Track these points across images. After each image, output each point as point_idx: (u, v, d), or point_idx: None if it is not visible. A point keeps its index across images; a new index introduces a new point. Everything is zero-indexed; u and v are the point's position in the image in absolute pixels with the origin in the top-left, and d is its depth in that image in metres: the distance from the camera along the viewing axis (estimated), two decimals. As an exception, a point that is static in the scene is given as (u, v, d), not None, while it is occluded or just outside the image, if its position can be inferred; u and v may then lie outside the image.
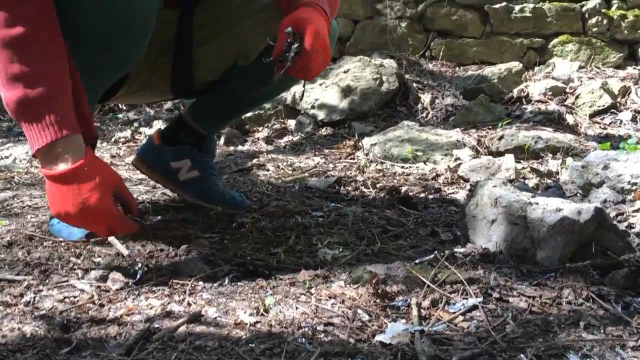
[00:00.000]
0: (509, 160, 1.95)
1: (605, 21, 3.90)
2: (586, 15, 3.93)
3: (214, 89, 1.58)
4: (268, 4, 1.48)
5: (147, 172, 1.65)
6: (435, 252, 1.16)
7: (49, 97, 1.02)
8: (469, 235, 1.23)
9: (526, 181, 1.88)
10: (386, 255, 1.25)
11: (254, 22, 1.51)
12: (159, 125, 3.05)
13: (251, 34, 1.50)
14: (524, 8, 3.94)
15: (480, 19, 4.01)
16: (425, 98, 3.18)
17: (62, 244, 1.27)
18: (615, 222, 1.23)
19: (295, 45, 1.15)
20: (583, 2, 3.96)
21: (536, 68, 3.92)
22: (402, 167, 2.22)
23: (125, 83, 1.37)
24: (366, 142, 2.46)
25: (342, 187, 1.95)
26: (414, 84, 3.34)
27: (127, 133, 2.97)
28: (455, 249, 1.20)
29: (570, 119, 2.85)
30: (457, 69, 3.87)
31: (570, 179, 1.67)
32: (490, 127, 2.77)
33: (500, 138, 2.44)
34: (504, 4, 3.96)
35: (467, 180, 1.95)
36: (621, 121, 2.85)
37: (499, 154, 2.34)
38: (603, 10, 3.91)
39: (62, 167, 1.03)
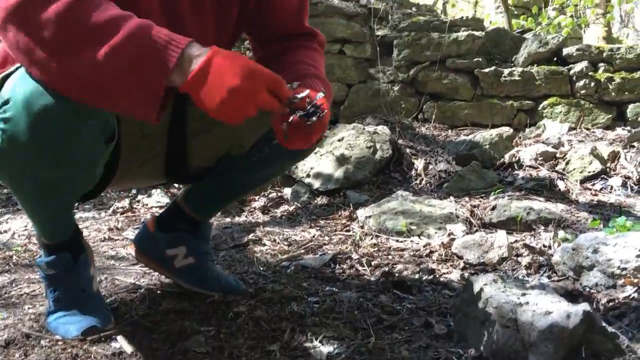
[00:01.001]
0: (501, 237, 1.97)
1: (592, 83, 4.01)
2: (574, 78, 4.05)
3: (208, 175, 1.61)
4: None
5: (143, 259, 1.68)
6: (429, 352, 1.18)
7: (147, 23, 1.00)
8: (462, 332, 1.25)
9: (519, 259, 1.90)
10: (380, 351, 1.26)
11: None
12: (157, 194, 3.09)
13: (245, 127, 1.53)
14: (512, 72, 4.05)
15: (470, 83, 4.12)
16: (419, 164, 3.23)
17: (59, 342, 1.28)
18: (606, 316, 1.25)
19: (317, 107, 1.11)
20: (570, 66, 4.08)
21: (527, 130, 4.01)
22: (397, 240, 2.24)
23: (114, 177, 1.40)
24: (361, 214, 2.49)
25: (337, 265, 1.97)
26: (407, 149, 3.40)
27: (126, 202, 3.00)
28: (448, 348, 1.22)
29: (561, 185, 2.90)
30: (449, 131, 3.95)
31: (561, 260, 1.70)
32: (483, 194, 2.82)
33: (493, 208, 2.48)
34: (493, 68, 4.07)
35: (460, 258, 1.97)
36: (612, 187, 2.90)
37: (492, 225, 2.38)
38: (590, 73, 4.03)
39: (201, 58, 1.00)
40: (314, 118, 1.10)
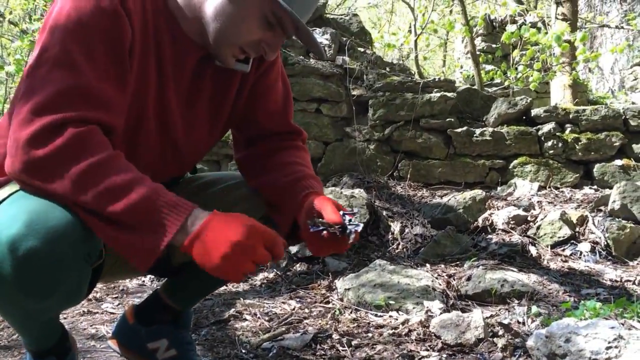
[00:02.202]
0: (477, 316, 2.03)
1: (560, 144, 4.16)
2: (542, 138, 4.20)
3: (188, 268, 1.63)
4: (247, 195, 1.58)
5: (124, 352, 1.68)
6: None
7: (154, 190, 1.09)
8: None
9: (495, 340, 1.96)
10: None
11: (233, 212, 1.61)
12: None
13: None
14: (484, 132, 4.19)
15: (443, 142, 4.24)
16: (395, 227, 3.30)
17: None
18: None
19: (355, 223, 1.28)
20: (539, 126, 4.24)
21: (499, 188, 4.13)
22: (376, 315, 2.29)
23: (97, 282, 1.42)
24: (340, 285, 2.53)
25: (318, 345, 2.00)
26: (384, 212, 3.47)
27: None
28: None
29: (533, 251, 2.99)
30: (424, 190, 4.04)
31: (535, 346, 1.76)
32: (458, 261, 2.89)
33: (469, 279, 2.54)
34: (465, 128, 4.21)
35: (439, 337, 2.02)
36: (581, 252, 3.00)
37: (468, 297, 2.44)
38: (558, 134, 4.19)
39: (200, 221, 1.09)
40: (352, 235, 1.27)
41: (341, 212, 1.30)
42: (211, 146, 1.59)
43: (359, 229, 1.28)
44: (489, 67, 10.63)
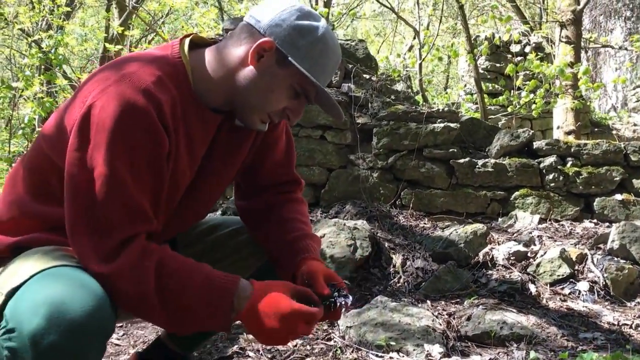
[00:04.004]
0: (476, 363, 2.08)
1: (561, 177, 4.21)
2: (544, 171, 4.25)
3: None
4: (248, 241, 1.68)
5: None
6: None
7: (207, 277, 1.27)
8: None
9: (493, 388, 2.00)
10: None
11: (235, 258, 1.70)
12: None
13: (230, 270, 1.66)
14: (486, 163, 4.24)
15: (446, 172, 4.29)
16: (397, 259, 3.34)
17: None
18: None
19: (344, 294, 1.40)
20: (540, 159, 4.29)
21: (500, 219, 4.18)
22: (377, 355, 2.33)
23: None
24: (342, 323, 2.58)
25: (320, 388, 2.04)
26: (386, 243, 3.52)
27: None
28: None
29: (532, 289, 3.03)
30: (426, 220, 4.09)
31: (533, 398, 1.80)
32: (458, 298, 2.93)
33: (469, 318, 2.59)
34: (467, 159, 4.26)
35: (438, 383, 2.06)
36: (579, 291, 3.04)
37: (467, 338, 2.49)
38: (559, 167, 4.24)
39: (244, 302, 1.25)
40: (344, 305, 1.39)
41: (329, 284, 1.41)
42: (220, 195, 1.68)
43: (349, 301, 1.39)
44: (492, 85, 10.70)
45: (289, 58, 1.31)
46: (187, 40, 1.39)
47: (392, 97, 4.77)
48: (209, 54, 1.38)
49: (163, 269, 1.22)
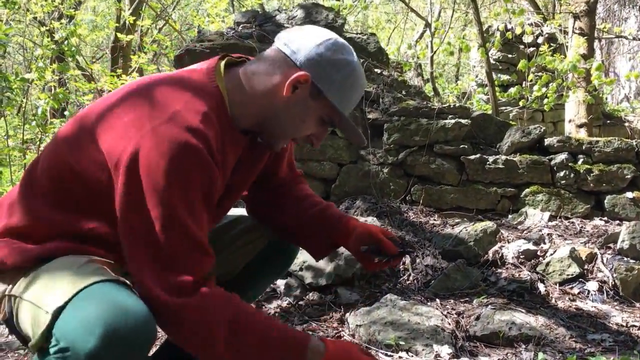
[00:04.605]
0: (485, 365, 2.10)
1: (572, 174, 4.21)
2: (555, 168, 4.24)
3: None
4: (250, 226, 1.81)
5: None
6: None
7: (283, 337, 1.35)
8: None
9: (501, 390, 2.03)
10: None
11: (234, 247, 1.80)
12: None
13: (231, 258, 1.78)
14: (497, 160, 4.24)
15: (456, 168, 4.30)
16: (406, 257, 3.36)
17: None
18: None
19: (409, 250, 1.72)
20: (551, 156, 4.28)
21: (510, 216, 4.18)
22: (386, 354, 2.36)
23: None
24: (352, 321, 2.61)
25: (330, 387, 2.08)
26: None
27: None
28: None
29: (541, 288, 3.05)
30: (435, 216, 4.11)
31: (540, 402, 1.83)
32: (467, 297, 2.96)
33: (478, 318, 2.62)
34: (478, 155, 4.26)
35: (446, 384, 2.09)
36: (588, 291, 3.05)
37: (476, 338, 2.51)
38: (570, 164, 4.23)
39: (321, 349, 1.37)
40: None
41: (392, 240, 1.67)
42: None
43: (411, 250, 1.58)
44: (503, 76, 10.64)
45: (323, 93, 1.39)
46: (222, 65, 1.43)
47: (404, 92, 4.77)
48: (243, 77, 1.43)
49: (239, 324, 1.28)
